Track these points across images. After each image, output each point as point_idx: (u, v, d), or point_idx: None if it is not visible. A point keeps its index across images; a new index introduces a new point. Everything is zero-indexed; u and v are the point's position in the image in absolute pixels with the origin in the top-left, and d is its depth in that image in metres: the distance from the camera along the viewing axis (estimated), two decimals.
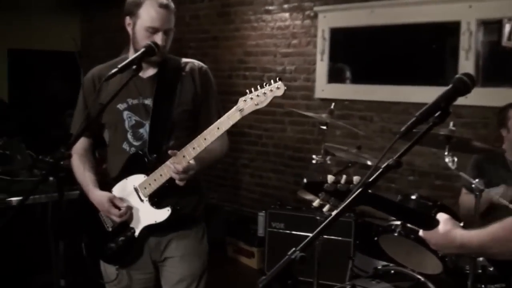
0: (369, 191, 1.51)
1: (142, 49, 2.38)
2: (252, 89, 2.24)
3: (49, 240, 2.29)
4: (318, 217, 4.00)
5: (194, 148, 2.37)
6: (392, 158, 1.49)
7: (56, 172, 2.09)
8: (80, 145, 2.71)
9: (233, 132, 2.49)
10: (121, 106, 2.59)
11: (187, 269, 2.68)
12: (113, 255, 2.65)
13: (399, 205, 2.08)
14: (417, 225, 1.84)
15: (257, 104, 2.23)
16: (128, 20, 2.53)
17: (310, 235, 1.42)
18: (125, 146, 2.62)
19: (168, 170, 2.44)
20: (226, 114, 2.31)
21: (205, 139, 2.35)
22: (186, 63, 2.68)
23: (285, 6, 5.85)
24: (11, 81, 7.87)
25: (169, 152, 2.41)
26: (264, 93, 2.21)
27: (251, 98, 2.23)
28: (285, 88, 2.20)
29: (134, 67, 2.34)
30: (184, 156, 2.39)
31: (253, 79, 6.15)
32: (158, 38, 2.45)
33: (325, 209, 1.77)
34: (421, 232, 1.80)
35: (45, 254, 2.37)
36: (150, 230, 2.58)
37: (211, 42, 6.61)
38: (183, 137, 2.51)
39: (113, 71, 2.30)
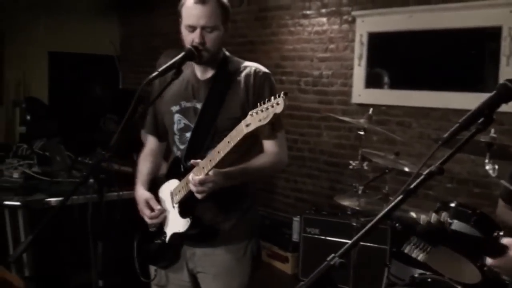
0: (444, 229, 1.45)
1: (182, 53, 2.34)
2: (262, 103, 2.04)
3: (88, 241, 2.31)
4: (354, 223, 3.98)
5: (210, 161, 2.24)
6: (434, 165, 1.46)
7: (97, 173, 2.12)
8: (149, 144, 2.77)
9: None
10: (174, 109, 2.56)
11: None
12: (151, 256, 2.66)
13: (463, 235, 1.95)
14: (483, 253, 1.76)
15: (260, 120, 2.03)
16: (180, 22, 2.46)
17: (345, 241, 1.40)
18: (174, 148, 2.60)
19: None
20: (235, 128, 2.14)
21: (218, 152, 2.20)
22: (245, 67, 2.51)
23: (323, 10, 5.82)
24: (51, 84, 8.03)
25: (192, 161, 2.32)
26: (267, 108, 2.01)
27: (256, 113, 2.05)
28: (286, 103, 1.96)
29: (174, 71, 2.29)
30: (203, 168, 2.26)
31: (289, 84, 6.14)
32: (196, 36, 2.35)
33: (414, 254, 1.69)
34: (489, 261, 1.72)
35: (84, 255, 2.40)
36: (181, 238, 2.51)
37: (248, 46, 6.60)
38: None
39: (153, 74, 2.28)
